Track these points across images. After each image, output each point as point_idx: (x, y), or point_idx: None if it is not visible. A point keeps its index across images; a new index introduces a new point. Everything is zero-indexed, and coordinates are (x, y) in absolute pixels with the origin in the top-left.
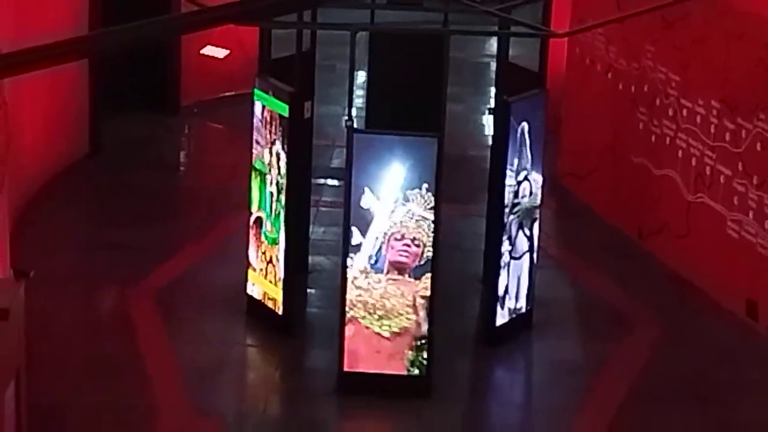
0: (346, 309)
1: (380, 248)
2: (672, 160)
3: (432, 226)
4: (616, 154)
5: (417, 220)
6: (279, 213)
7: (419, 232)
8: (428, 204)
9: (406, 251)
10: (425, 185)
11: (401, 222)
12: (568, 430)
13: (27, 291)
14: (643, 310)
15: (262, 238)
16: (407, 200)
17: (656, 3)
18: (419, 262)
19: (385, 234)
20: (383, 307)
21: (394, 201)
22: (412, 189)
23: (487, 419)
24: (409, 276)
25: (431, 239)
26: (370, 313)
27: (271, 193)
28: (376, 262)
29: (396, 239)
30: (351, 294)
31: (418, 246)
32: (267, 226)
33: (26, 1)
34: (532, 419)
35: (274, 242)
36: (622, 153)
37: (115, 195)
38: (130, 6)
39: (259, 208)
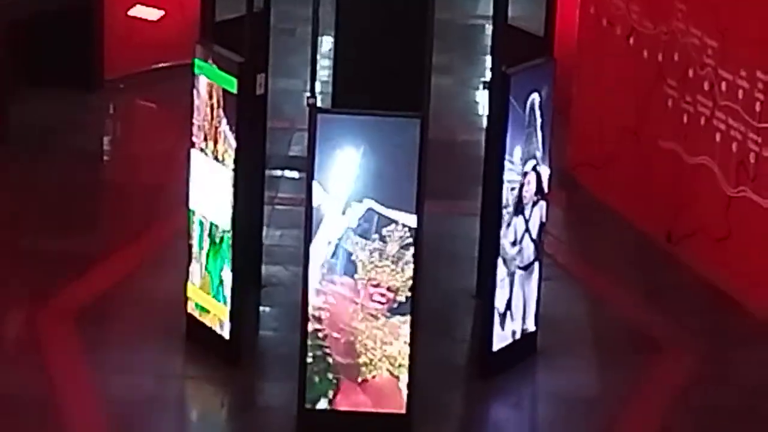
0: (309, 331)
1: (338, 253)
2: (708, 145)
3: (409, 264)
4: (639, 138)
5: (393, 262)
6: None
7: (394, 278)
8: (404, 241)
9: (381, 301)
10: (404, 216)
11: (374, 266)
12: None
13: None
14: (673, 332)
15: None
16: (383, 240)
17: None
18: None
19: (362, 280)
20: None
21: (354, 199)
22: (388, 225)
23: None
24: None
25: (409, 273)
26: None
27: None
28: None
29: (373, 285)
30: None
31: (393, 292)
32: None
33: None
34: None
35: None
36: (646, 137)
37: (24, 192)
38: None
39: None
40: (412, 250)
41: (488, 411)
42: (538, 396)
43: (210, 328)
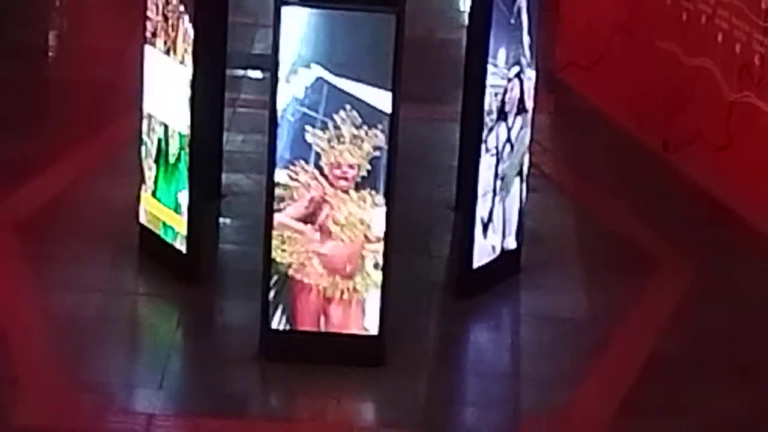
0: (273, 245)
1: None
2: (709, 45)
3: (381, 131)
4: (633, 36)
5: (351, 141)
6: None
7: (354, 154)
8: (356, 121)
9: (345, 177)
10: (347, 106)
11: (332, 147)
12: (568, 408)
13: None
14: (668, 247)
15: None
16: (337, 127)
17: None
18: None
19: (322, 166)
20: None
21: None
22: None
23: (459, 393)
24: (353, 191)
25: (380, 150)
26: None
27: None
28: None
29: (334, 167)
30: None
31: (355, 169)
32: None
33: None
34: (518, 393)
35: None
36: (641, 35)
37: None
38: None
39: None
40: (366, 128)
41: (467, 333)
42: (520, 317)
43: (165, 240)
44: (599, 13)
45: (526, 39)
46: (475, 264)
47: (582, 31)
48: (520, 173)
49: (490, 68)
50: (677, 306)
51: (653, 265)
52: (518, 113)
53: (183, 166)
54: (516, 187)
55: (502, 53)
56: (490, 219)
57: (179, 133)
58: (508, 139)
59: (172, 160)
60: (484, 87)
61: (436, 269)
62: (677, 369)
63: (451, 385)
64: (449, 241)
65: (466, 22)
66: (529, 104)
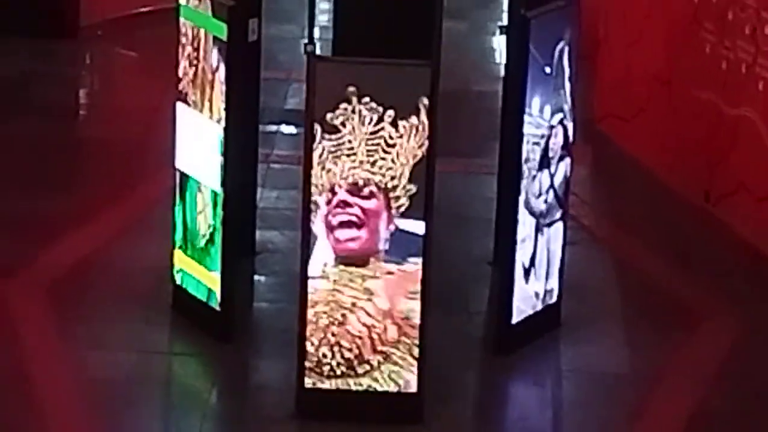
0: (309, 303)
1: None
2: (750, 94)
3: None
4: (672, 87)
5: (361, 144)
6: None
7: (367, 169)
8: (374, 113)
9: (347, 219)
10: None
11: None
12: None
13: None
14: (711, 300)
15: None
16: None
17: None
18: (386, 232)
19: (315, 202)
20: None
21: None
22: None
23: None
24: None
25: (408, 180)
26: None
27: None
28: None
29: (328, 202)
30: (316, 283)
31: (369, 197)
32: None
33: None
34: None
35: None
36: (680, 86)
37: None
38: None
39: None
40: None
41: (506, 390)
42: (561, 373)
43: (199, 299)
44: (637, 63)
45: (567, 87)
46: (515, 319)
47: (620, 82)
48: (563, 218)
49: (526, 118)
50: (722, 361)
51: (696, 318)
52: (561, 159)
53: (215, 250)
54: (559, 232)
55: (536, 102)
56: (532, 264)
57: (212, 191)
58: (552, 186)
59: (202, 243)
60: (521, 137)
61: (475, 325)
62: (723, 427)
63: None
64: (487, 297)
65: (502, 73)
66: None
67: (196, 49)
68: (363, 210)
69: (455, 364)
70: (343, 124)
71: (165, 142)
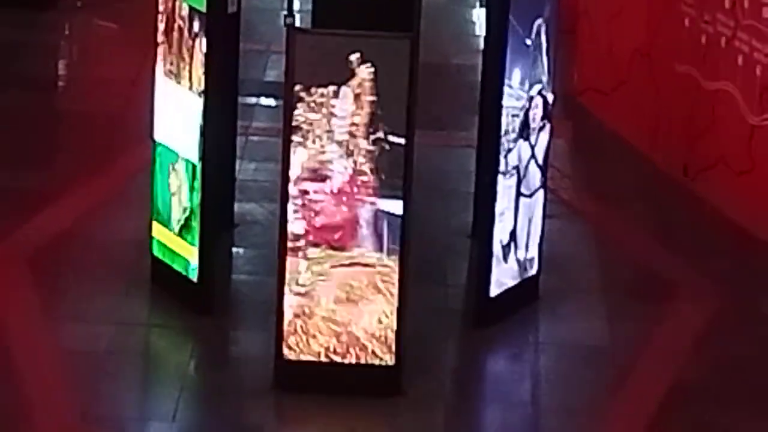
0: (287, 274)
1: None
2: (729, 68)
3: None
4: (652, 60)
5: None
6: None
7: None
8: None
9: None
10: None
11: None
12: None
13: None
14: (690, 273)
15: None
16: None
17: None
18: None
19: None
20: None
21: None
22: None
23: (478, 423)
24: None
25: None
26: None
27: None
28: None
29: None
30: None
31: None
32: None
33: None
34: (539, 424)
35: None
36: (660, 59)
37: None
38: None
39: None
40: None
41: (485, 363)
42: (540, 346)
43: (178, 271)
44: (618, 37)
45: (545, 58)
46: (493, 292)
47: (600, 56)
48: (544, 186)
49: (506, 89)
50: (700, 334)
51: (675, 291)
52: (542, 129)
53: (194, 223)
54: (540, 202)
55: (517, 74)
56: (512, 238)
57: (189, 163)
58: (533, 156)
59: (176, 227)
60: (500, 109)
61: (453, 298)
62: (701, 398)
63: (470, 414)
64: (466, 269)
65: (482, 46)
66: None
67: (175, 21)
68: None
69: (434, 336)
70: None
71: (144, 114)
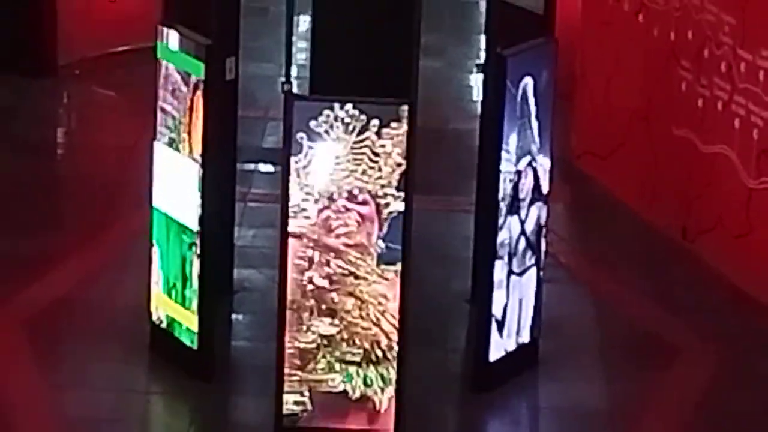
0: (286, 340)
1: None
2: (726, 132)
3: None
4: (650, 124)
5: (351, 160)
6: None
7: (358, 179)
8: (356, 120)
9: (345, 219)
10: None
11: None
12: None
13: None
14: (690, 336)
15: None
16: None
17: None
18: (382, 228)
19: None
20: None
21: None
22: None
23: None
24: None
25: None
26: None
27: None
28: None
29: (326, 207)
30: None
31: (365, 203)
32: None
33: None
34: None
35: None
36: (658, 123)
37: None
38: None
39: None
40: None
41: (485, 428)
42: (539, 411)
43: (177, 338)
44: (615, 101)
45: (534, 125)
46: (492, 357)
47: (598, 120)
48: (536, 264)
49: (503, 155)
50: (699, 396)
51: (674, 354)
52: (533, 203)
53: (193, 290)
54: (532, 280)
55: (513, 139)
56: (504, 316)
57: (189, 230)
58: (523, 232)
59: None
60: (498, 174)
61: (453, 362)
62: None
63: None
64: (465, 334)
65: (479, 111)
66: (545, 192)
67: (174, 88)
68: (360, 215)
69: (433, 400)
70: (327, 132)
71: (142, 180)
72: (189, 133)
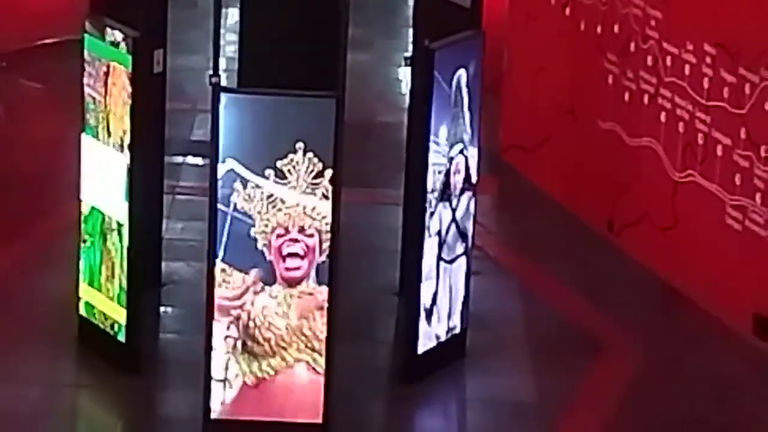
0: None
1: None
2: (652, 125)
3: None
4: (576, 118)
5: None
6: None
7: (307, 218)
8: (313, 169)
9: (296, 252)
10: (303, 146)
11: (277, 209)
12: None
13: None
14: (616, 329)
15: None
16: (281, 176)
17: None
18: (320, 259)
19: (265, 232)
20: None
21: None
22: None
23: None
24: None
25: (328, 228)
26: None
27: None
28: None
29: (279, 235)
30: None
31: (311, 236)
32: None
33: None
34: None
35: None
36: (584, 117)
37: None
38: None
39: None
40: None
41: (413, 419)
42: (467, 402)
43: (105, 331)
44: (542, 94)
45: (467, 115)
46: (420, 349)
47: (524, 114)
48: (465, 253)
49: (432, 146)
50: (626, 389)
51: (600, 347)
52: (463, 192)
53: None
54: (462, 268)
55: (443, 131)
56: (433, 304)
57: (117, 222)
58: (453, 219)
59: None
60: (426, 166)
61: (380, 354)
62: None
63: None
64: (393, 326)
65: (408, 104)
66: (474, 182)
67: (102, 81)
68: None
69: (361, 393)
70: (290, 172)
71: (70, 174)
72: (116, 126)
